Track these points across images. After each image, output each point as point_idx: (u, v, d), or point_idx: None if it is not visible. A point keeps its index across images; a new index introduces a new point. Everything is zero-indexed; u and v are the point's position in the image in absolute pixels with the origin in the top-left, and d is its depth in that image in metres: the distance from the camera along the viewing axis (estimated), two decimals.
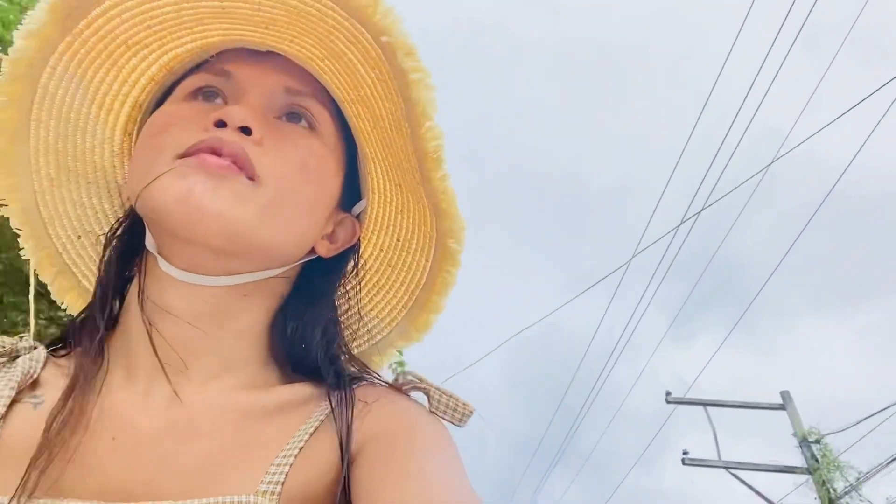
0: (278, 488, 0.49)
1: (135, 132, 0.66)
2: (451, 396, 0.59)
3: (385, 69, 0.55)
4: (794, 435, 9.12)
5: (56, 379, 0.55)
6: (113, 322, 0.61)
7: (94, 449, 0.51)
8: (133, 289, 0.59)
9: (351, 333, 0.70)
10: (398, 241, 0.67)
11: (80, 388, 0.53)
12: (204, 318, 0.56)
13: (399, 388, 0.61)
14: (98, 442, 0.51)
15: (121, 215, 0.67)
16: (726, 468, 9.13)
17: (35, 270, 0.67)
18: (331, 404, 0.55)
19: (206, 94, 0.60)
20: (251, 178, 0.54)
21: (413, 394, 0.61)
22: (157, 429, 0.52)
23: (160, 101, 0.64)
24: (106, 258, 0.63)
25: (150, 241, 0.59)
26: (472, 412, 0.59)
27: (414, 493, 0.46)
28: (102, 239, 0.66)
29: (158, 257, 0.57)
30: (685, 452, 9.78)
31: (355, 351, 0.70)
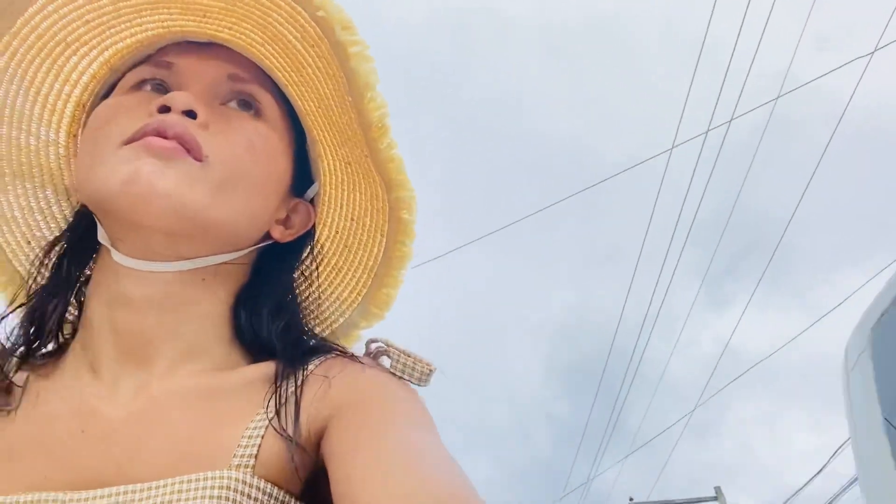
0: (252, 461, 0.49)
1: (79, 133, 0.65)
2: (409, 356, 0.60)
3: (325, 46, 0.55)
4: None
5: (32, 383, 0.55)
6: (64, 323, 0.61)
7: (65, 443, 0.51)
8: (90, 285, 0.59)
9: (314, 318, 0.70)
10: (353, 220, 0.67)
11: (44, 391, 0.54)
12: (161, 305, 0.56)
13: (368, 354, 0.62)
14: (68, 435, 0.52)
15: (71, 219, 0.67)
16: None
17: None
18: (275, 379, 0.55)
19: (151, 85, 0.60)
20: (198, 160, 0.54)
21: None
22: (125, 417, 0.53)
23: (104, 99, 0.63)
24: (54, 262, 0.63)
25: (101, 235, 0.58)
26: (431, 371, 0.60)
27: (387, 452, 0.46)
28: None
29: (111, 249, 0.57)
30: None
31: (321, 336, 0.69)
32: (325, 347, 0.62)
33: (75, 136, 0.66)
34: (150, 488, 0.47)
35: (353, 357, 0.60)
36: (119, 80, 0.63)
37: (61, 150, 0.66)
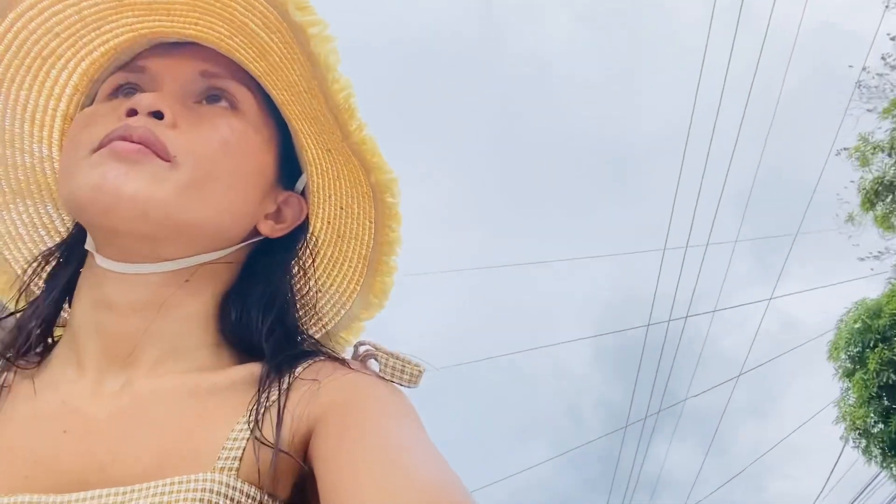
0: (236, 464, 0.49)
1: None
2: (398, 359, 0.60)
3: (285, 31, 0.54)
4: None
5: (16, 384, 0.56)
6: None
7: (47, 444, 0.51)
8: (77, 288, 0.60)
9: (316, 313, 0.69)
10: (341, 208, 0.66)
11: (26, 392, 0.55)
12: (145, 308, 0.56)
13: (357, 358, 0.62)
14: (50, 436, 0.52)
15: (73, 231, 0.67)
16: None
17: None
18: (259, 382, 0.55)
19: (125, 91, 0.60)
20: (166, 160, 0.53)
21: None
22: (108, 417, 0.53)
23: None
24: (50, 272, 0.64)
25: (88, 241, 0.59)
26: (420, 372, 0.60)
27: (373, 453, 0.46)
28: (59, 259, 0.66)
29: (95, 253, 0.57)
30: None
31: (323, 331, 0.70)
32: (312, 351, 0.61)
33: None
34: (132, 491, 0.47)
35: (341, 361, 0.60)
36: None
37: (56, 165, 0.66)
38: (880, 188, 7.79)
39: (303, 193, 0.66)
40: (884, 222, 7.94)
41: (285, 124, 0.63)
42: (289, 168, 0.64)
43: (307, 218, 0.66)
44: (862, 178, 8.03)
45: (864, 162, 8.12)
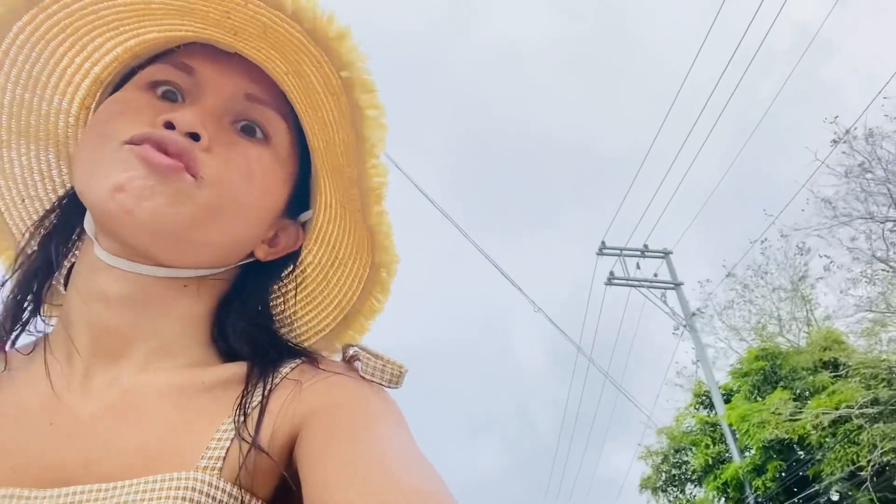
0: (219, 463, 0.50)
1: (93, 107, 0.66)
2: (379, 359, 0.60)
3: (343, 100, 0.56)
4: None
5: (4, 372, 0.56)
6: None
7: (32, 436, 0.51)
8: (72, 273, 0.60)
9: (292, 330, 0.71)
10: (337, 259, 0.68)
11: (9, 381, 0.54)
12: (138, 305, 0.56)
13: (344, 359, 0.63)
14: (36, 429, 0.51)
15: (69, 187, 0.67)
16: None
17: None
18: (245, 381, 0.56)
19: (164, 90, 0.59)
20: (194, 176, 0.54)
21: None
22: (95, 412, 0.53)
23: (123, 81, 0.64)
24: (42, 233, 0.63)
25: (89, 224, 0.59)
26: (402, 372, 0.60)
27: (358, 454, 0.47)
28: (47, 207, 0.66)
29: (94, 241, 0.57)
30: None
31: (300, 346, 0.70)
32: (298, 352, 0.62)
33: (88, 108, 0.66)
34: (115, 487, 0.47)
35: (326, 362, 0.61)
36: (140, 66, 0.63)
37: (71, 120, 0.66)
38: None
39: (303, 224, 0.67)
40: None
41: (306, 158, 0.64)
42: (297, 198, 0.66)
43: (300, 248, 0.68)
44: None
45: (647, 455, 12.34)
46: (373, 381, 0.59)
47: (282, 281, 0.69)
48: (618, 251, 14.47)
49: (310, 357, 0.61)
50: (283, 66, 0.58)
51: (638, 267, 14.43)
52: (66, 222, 0.63)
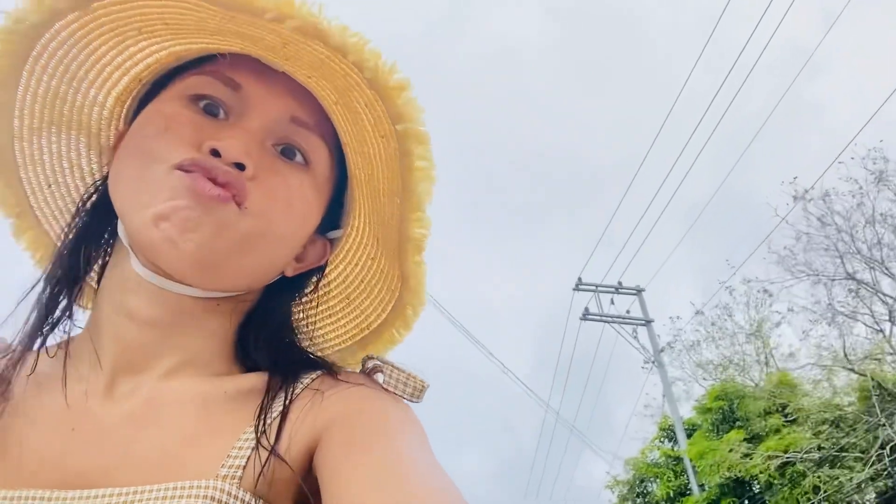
0: (239, 472, 0.50)
1: (128, 102, 0.66)
2: (402, 372, 0.60)
3: (393, 145, 0.56)
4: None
5: (32, 374, 0.56)
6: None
7: (55, 441, 0.52)
8: (105, 280, 0.60)
9: (306, 341, 0.71)
10: (363, 282, 0.69)
11: (35, 385, 0.56)
12: (170, 320, 0.57)
13: (364, 371, 0.63)
14: (58, 434, 0.52)
15: (97, 177, 0.67)
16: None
17: None
18: (266, 390, 0.57)
19: (208, 105, 0.58)
20: (238, 205, 0.54)
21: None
22: (117, 418, 0.53)
23: (162, 81, 0.64)
24: (74, 233, 0.63)
25: (123, 232, 0.58)
26: (424, 387, 0.60)
27: (378, 467, 0.47)
28: (73, 194, 0.67)
29: (131, 253, 0.57)
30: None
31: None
32: (318, 362, 0.63)
33: (123, 102, 0.66)
34: (134, 492, 0.48)
35: (346, 373, 0.61)
36: (182, 67, 0.63)
37: (105, 113, 0.66)
38: None
39: (330, 239, 0.67)
40: None
41: (343, 178, 0.64)
42: (330, 216, 0.65)
43: (325, 264, 0.68)
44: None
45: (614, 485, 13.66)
46: (394, 394, 0.59)
47: (305, 293, 0.70)
48: (593, 287, 15.12)
49: (330, 368, 0.61)
50: (334, 97, 0.57)
51: (612, 303, 15.07)
52: (98, 223, 0.63)
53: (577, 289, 15.01)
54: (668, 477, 12.49)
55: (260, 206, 0.56)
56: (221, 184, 0.53)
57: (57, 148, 0.66)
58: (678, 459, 12.54)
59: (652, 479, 13.03)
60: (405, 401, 0.60)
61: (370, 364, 0.63)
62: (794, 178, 11.66)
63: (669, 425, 13.44)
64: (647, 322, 14.51)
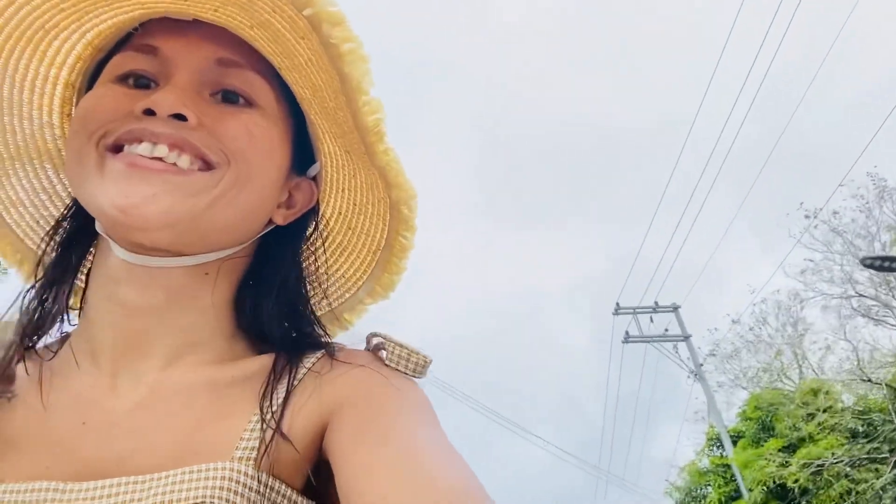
0: (253, 453, 0.51)
1: (72, 113, 0.65)
2: (404, 348, 0.60)
3: (315, 40, 0.53)
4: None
5: (34, 372, 0.57)
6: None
7: (66, 435, 0.53)
8: (91, 273, 0.60)
9: (321, 292, 0.71)
10: (354, 204, 0.67)
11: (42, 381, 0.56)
12: (163, 300, 0.57)
13: (368, 349, 0.63)
14: (69, 428, 0.53)
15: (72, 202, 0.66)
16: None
17: None
18: (271, 374, 0.57)
19: (135, 77, 0.57)
20: (207, 167, 0.54)
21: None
22: (126, 409, 0.54)
23: (93, 79, 0.62)
24: (56, 248, 0.64)
25: (100, 226, 0.58)
26: (427, 363, 0.61)
27: (391, 447, 0.48)
28: (52, 211, 0.67)
29: (111, 241, 0.56)
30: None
31: (326, 310, 0.72)
32: (325, 343, 0.63)
33: (69, 115, 0.65)
34: (151, 479, 0.49)
35: (349, 353, 0.61)
36: (106, 58, 0.61)
37: (57, 132, 0.65)
38: None
39: (313, 178, 0.66)
40: None
41: (298, 112, 0.62)
42: (301, 154, 0.64)
43: (317, 202, 0.67)
44: None
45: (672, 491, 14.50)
46: (398, 371, 0.59)
47: (308, 240, 0.69)
48: (631, 310, 16.29)
49: (332, 348, 0.61)
50: (245, 20, 0.55)
51: (651, 321, 16.19)
52: (80, 226, 0.64)
53: (616, 313, 16.19)
54: (719, 483, 13.53)
55: (228, 154, 0.55)
56: (164, 142, 0.53)
57: (28, 183, 0.66)
58: (727, 466, 13.52)
59: (705, 485, 14.08)
60: (410, 377, 0.60)
61: (375, 341, 0.63)
62: (801, 203, 12.49)
63: (716, 434, 14.44)
64: (686, 338, 15.58)
